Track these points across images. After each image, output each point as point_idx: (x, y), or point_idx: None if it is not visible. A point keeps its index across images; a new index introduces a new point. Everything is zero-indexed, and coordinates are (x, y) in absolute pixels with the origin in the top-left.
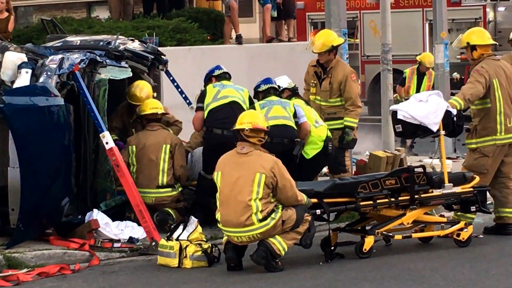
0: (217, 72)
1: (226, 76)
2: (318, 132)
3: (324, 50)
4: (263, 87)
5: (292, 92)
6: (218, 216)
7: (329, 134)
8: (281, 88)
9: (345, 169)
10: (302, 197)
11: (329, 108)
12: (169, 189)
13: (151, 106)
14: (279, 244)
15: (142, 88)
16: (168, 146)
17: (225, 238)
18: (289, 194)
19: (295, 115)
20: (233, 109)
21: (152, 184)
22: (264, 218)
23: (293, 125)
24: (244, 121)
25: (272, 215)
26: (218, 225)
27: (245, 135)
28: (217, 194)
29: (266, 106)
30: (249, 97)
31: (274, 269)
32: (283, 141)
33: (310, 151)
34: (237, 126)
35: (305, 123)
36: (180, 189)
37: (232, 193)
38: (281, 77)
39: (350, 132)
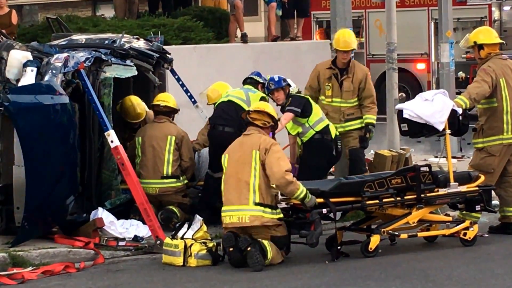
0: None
1: (247, 81)
2: (332, 132)
3: (350, 49)
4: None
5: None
6: (223, 199)
7: (337, 133)
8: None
9: (366, 168)
10: (296, 185)
11: (349, 109)
12: (174, 180)
13: (157, 99)
14: (268, 245)
15: (138, 103)
16: (174, 137)
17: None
18: (274, 169)
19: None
20: (225, 107)
21: (157, 174)
22: (261, 204)
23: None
24: (253, 106)
25: (268, 209)
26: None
27: (251, 118)
28: (223, 176)
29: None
30: (261, 99)
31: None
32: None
33: None
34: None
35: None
36: (185, 181)
37: (234, 171)
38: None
39: (373, 129)
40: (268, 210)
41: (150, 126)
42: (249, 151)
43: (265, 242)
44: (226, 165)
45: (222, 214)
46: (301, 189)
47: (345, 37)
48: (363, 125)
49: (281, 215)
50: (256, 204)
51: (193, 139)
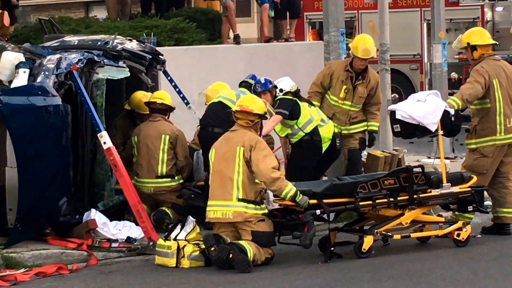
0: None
1: (242, 84)
2: (323, 132)
3: (370, 56)
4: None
5: (294, 95)
6: (210, 193)
7: (336, 130)
8: (284, 92)
9: (362, 170)
10: (284, 182)
11: (355, 113)
12: (168, 179)
13: (154, 96)
14: (246, 244)
15: (147, 95)
16: (168, 136)
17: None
18: (260, 167)
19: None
20: (215, 108)
21: (151, 174)
22: (244, 200)
23: None
24: (237, 104)
25: (251, 205)
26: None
27: (235, 117)
28: (211, 171)
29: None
30: None
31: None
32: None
33: None
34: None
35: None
36: (180, 181)
37: (220, 167)
38: (284, 79)
39: (375, 136)
40: (252, 205)
41: (145, 125)
42: (234, 148)
43: (242, 243)
44: (213, 160)
45: (207, 208)
46: (289, 187)
47: (365, 45)
48: (366, 128)
49: (266, 211)
50: (239, 200)
51: (187, 140)
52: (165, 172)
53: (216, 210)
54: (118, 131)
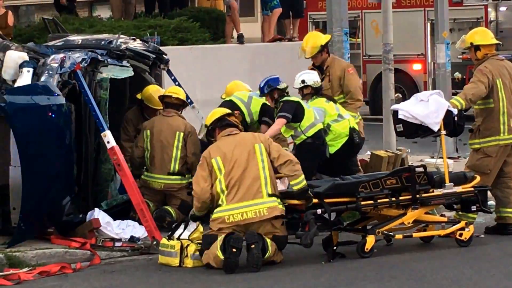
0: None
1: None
2: (339, 127)
3: (315, 53)
4: (283, 85)
5: (315, 91)
6: (224, 199)
7: (354, 125)
8: (305, 84)
9: (357, 168)
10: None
11: None
12: (179, 177)
13: (169, 90)
14: (270, 245)
15: (161, 90)
16: (182, 133)
17: (219, 241)
18: (282, 152)
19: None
20: (225, 106)
21: (164, 170)
22: (273, 195)
23: None
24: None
25: (279, 199)
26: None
27: (234, 121)
28: (222, 178)
29: (309, 107)
30: (263, 105)
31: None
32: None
33: (335, 145)
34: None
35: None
36: (190, 179)
37: (245, 170)
38: (311, 72)
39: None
40: (279, 200)
41: (159, 119)
42: (251, 146)
43: (268, 241)
44: (224, 166)
45: (228, 213)
46: (301, 177)
47: (306, 45)
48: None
49: (283, 208)
50: (270, 195)
51: None
52: (177, 170)
53: (246, 211)
54: (129, 124)
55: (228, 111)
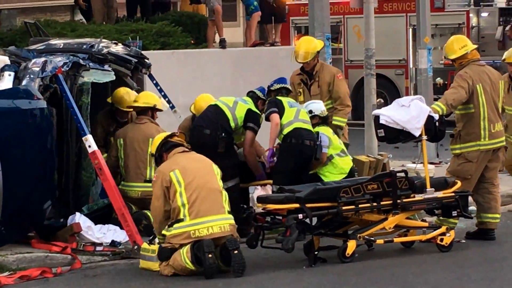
0: (275, 87)
1: (249, 94)
2: (342, 163)
3: (310, 59)
4: (276, 86)
5: (322, 120)
6: (187, 213)
7: (353, 164)
8: (312, 114)
9: None
10: None
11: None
12: None
13: (137, 97)
14: None
15: (131, 92)
16: None
17: (185, 249)
18: None
19: (319, 150)
20: (210, 110)
21: (139, 178)
22: (229, 212)
23: None
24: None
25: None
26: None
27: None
28: (182, 191)
29: (294, 106)
30: (248, 111)
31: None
32: (310, 144)
33: (330, 177)
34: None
35: (324, 154)
36: None
37: (203, 181)
38: (317, 102)
39: (340, 132)
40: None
41: (131, 127)
42: (209, 164)
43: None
44: (184, 179)
45: (193, 228)
46: None
47: (300, 49)
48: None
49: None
50: (229, 212)
51: None
52: (153, 177)
53: (212, 225)
54: (99, 126)
55: (168, 133)
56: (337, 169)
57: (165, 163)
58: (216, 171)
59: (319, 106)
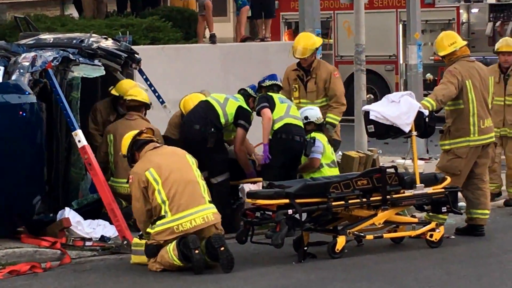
0: (266, 83)
1: (240, 92)
2: (331, 173)
3: (308, 55)
4: (268, 83)
5: (317, 127)
6: (167, 209)
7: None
8: (308, 120)
9: None
10: None
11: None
12: None
13: (129, 93)
14: None
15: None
16: None
17: (171, 246)
18: None
19: (309, 147)
20: (201, 105)
21: (128, 174)
22: (210, 202)
23: None
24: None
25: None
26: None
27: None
28: (160, 188)
29: (285, 102)
30: (238, 108)
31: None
32: (300, 140)
33: None
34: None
35: (317, 159)
36: None
37: (179, 175)
38: (313, 108)
39: (331, 129)
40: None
41: (122, 123)
42: (183, 156)
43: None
44: (161, 175)
45: (176, 223)
46: None
47: (298, 44)
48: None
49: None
50: (210, 202)
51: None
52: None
53: (194, 218)
54: (98, 114)
55: (137, 131)
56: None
57: (139, 163)
58: (191, 161)
59: (315, 113)
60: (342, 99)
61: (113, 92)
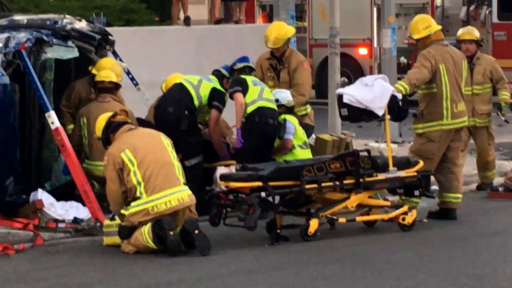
0: (238, 66)
1: (214, 73)
2: (302, 155)
3: (280, 45)
4: (239, 65)
5: (288, 110)
6: (143, 190)
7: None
8: (279, 103)
9: None
10: None
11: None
12: None
13: (101, 75)
14: None
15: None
16: None
17: (146, 228)
18: None
19: (283, 129)
20: (174, 88)
21: (103, 156)
22: (185, 184)
23: None
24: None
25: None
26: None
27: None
28: (136, 170)
29: (258, 85)
30: (212, 89)
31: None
32: (274, 123)
33: None
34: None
35: (289, 140)
36: None
37: (154, 157)
38: (284, 91)
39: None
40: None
41: (95, 106)
42: (158, 137)
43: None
44: (137, 157)
45: (151, 204)
46: None
47: (270, 34)
48: (305, 112)
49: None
50: (184, 184)
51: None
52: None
53: (169, 199)
54: (74, 92)
55: (110, 113)
56: (295, 159)
57: (113, 144)
58: (166, 142)
59: (285, 96)
60: (303, 90)
61: (94, 71)
